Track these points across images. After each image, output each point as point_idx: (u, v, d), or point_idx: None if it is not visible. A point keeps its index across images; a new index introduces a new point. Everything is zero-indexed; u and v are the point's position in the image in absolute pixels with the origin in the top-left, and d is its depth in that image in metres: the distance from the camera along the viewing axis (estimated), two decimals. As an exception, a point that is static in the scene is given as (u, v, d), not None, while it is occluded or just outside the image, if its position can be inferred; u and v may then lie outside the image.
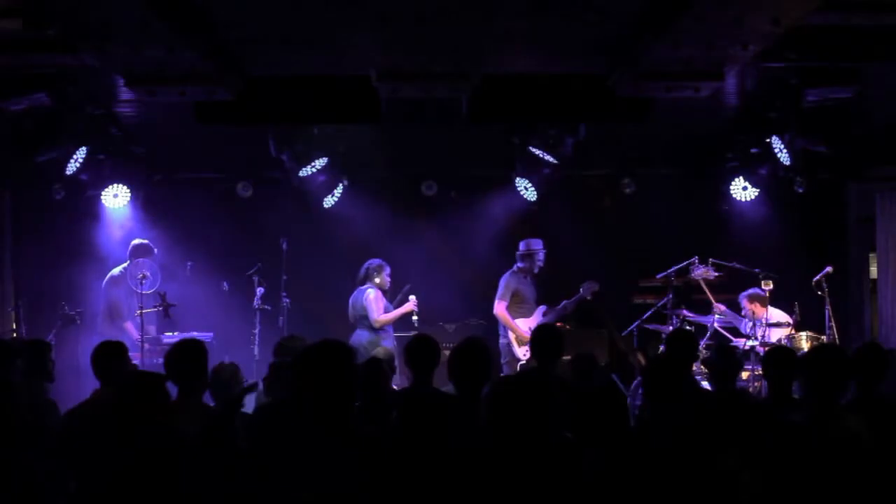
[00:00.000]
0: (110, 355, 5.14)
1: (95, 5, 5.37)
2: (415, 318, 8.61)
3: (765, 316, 8.55)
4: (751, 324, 8.54)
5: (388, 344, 8.06)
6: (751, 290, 8.83)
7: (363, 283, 8.67)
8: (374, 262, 8.73)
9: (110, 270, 8.98)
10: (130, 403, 4.07)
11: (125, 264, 8.84)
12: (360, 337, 8.49)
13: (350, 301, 8.68)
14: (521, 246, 9.14)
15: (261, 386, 5.50)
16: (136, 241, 8.95)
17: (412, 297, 8.70)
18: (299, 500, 3.36)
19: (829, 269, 8.68)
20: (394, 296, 8.86)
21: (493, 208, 9.91)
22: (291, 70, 7.42)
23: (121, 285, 8.79)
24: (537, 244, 9.13)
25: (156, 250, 8.96)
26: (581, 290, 9.06)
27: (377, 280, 8.64)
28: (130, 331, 8.52)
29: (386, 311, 8.59)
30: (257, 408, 5.13)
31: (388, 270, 8.74)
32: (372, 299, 8.51)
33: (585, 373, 5.87)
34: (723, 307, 8.83)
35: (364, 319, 8.54)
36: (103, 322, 8.75)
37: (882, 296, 9.80)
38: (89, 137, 8.33)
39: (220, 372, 5.06)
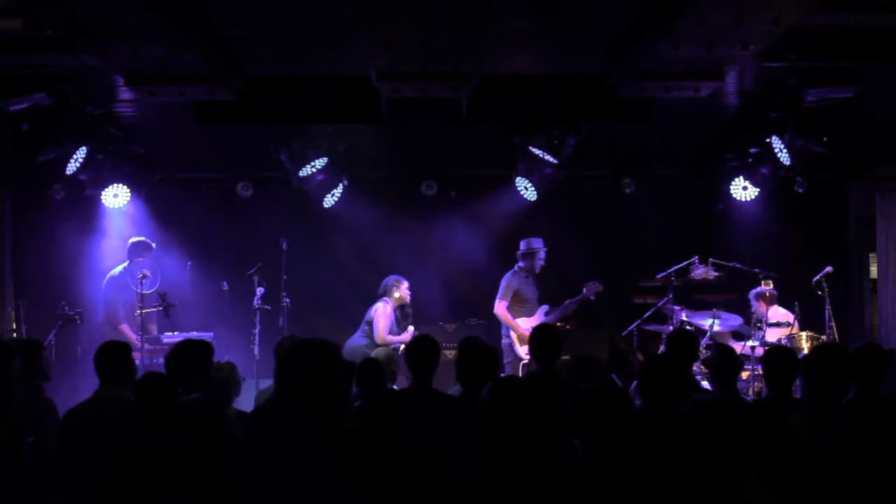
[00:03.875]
0: (115, 355, 5.14)
1: (95, 5, 5.37)
2: (402, 346, 8.47)
3: (766, 315, 8.56)
4: (756, 322, 8.54)
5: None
6: (760, 288, 8.83)
7: (382, 297, 8.73)
8: (392, 278, 8.86)
9: (110, 271, 8.96)
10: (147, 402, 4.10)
11: (124, 264, 8.83)
12: (354, 341, 8.57)
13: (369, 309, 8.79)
14: (522, 245, 9.15)
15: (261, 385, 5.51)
16: (134, 239, 8.93)
17: (411, 328, 8.76)
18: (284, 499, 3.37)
19: (829, 269, 8.68)
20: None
21: (493, 208, 9.90)
22: (291, 70, 7.42)
23: (118, 286, 8.76)
24: (538, 243, 9.14)
25: (154, 245, 8.94)
26: (584, 289, 9.06)
27: (396, 294, 8.73)
28: (126, 333, 8.48)
29: (390, 329, 8.64)
30: (256, 408, 5.13)
31: (406, 284, 8.83)
32: (380, 314, 8.60)
33: (586, 373, 5.85)
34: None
35: (367, 326, 8.59)
36: (101, 323, 8.73)
37: (882, 296, 9.80)
38: (89, 137, 8.32)
39: (216, 371, 5.06)
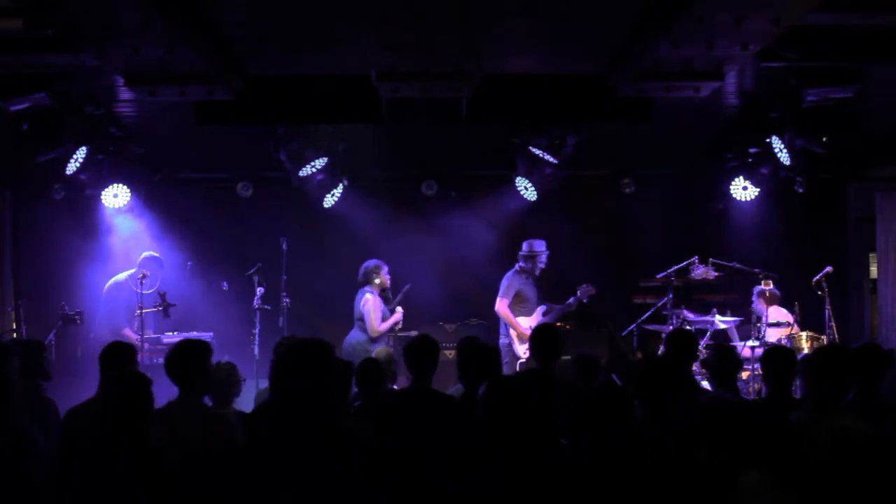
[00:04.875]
0: (119, 355, 5.13)
1: (95, 5, 5.37)
2: (397, 327, 8.58)
3: (766, 315, 8.56)
4: (756, 321, 8.55)
5: (379, 346, 8.03)
6: (763, 286, 8.83)
7: (363, 286, 8.67)
8: (371, 263, 8.72)
9: (114, 275, 8.88)
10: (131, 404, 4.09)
11: (131, 271, 8.77)
12: (353, 337, 8.56)
13: (354, 301, 8.72)
14: (524, 247, 9.13)
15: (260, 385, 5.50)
16: (148, 253, 8.85)
17: (399, 309, 8.69)
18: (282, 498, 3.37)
19: (829, 269, 8.68)
20: (394, 295, 8.87)
21: (493, 208, 9.90)
22: (291, 70, 7.43)
23: (122, 292, 8.71)
24: (540, 246, 9.12)
25: (164, 269, 8.89)
26: (578, 292, 9.06)
27: (377, 281, 8.63)
28: (129, 336, 8.44)
29: (383, 317, 8.61)
30: (255, 408, 5.13)
31: (385, 269, 8.73)
32: (369, 308, 8.51)
33: (587, 373, 5.85)
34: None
35: (360, 321, 8.57)
36: (101, 326, 8.68)
37: (882, 296, 9.80)
38: (89, 137, 8.32)
39: (216, 371, 5.06)
